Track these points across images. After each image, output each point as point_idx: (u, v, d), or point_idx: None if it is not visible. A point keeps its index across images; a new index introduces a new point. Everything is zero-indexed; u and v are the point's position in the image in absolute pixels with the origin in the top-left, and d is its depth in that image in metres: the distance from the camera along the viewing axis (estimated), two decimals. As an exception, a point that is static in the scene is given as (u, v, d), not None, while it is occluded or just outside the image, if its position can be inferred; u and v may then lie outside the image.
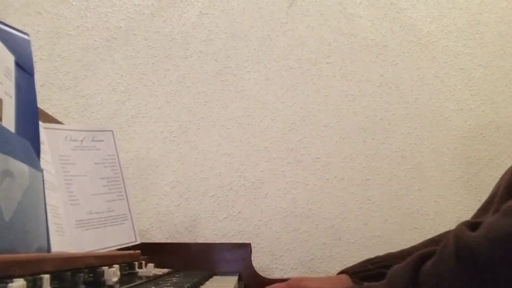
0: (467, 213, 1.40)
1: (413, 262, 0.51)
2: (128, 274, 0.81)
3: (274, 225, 1.42)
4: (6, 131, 0.54)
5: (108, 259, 0.70)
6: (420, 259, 0.51)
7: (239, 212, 1.42)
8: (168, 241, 1.39)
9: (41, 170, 0.61)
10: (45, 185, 0.64)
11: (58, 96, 1.41)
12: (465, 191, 1.47)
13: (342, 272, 0.85)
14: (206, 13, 1.48)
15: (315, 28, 1.50)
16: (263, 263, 1.41)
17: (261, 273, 1.31)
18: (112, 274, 0.62)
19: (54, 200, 0.77)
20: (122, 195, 0.98)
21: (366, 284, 0.63)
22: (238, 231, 1.42)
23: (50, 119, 0.95)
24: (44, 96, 1.38)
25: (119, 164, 0.99)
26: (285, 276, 1.40)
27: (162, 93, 1.45)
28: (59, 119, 1.08)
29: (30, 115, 0.63)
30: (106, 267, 0.62)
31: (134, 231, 0.99)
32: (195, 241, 1.39)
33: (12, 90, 0.58)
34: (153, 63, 1.46)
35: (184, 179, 1.43)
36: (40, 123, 0.69)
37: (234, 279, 1.12)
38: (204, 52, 1.47)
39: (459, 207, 1.46)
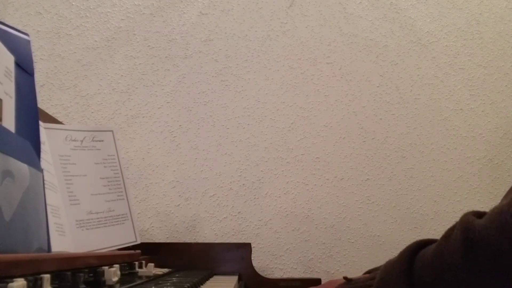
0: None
1: (407, 254, 0.48)
2: (128, 274, 0.81)
3: (274, 225, 1.42)
4: (6, 131, 0.54)
5: (108, 259, 0.70)
6: (412, 251, 0.48)
7: (239, 212, 1.42)
8: (168, 241, 1.39)
9: (41, 170, 0.61)
10: (45, 185, 0.64)
11: (58, 96, 1.41)
12: (465, 191, 1.47)
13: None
14: (206, 13, 1.48)
15: (315, 28, 1.50)
16: (263, 263, 1.41)
17: (261, 273, 1.31)
18: (112, 274, 0.62)
19: (54, 200, 0.77)
20: (122, 195, 0.98)
21: (362, 277, 0.61)
22: (238, 231, 1.42)
23: (50, 119, 0.95)
24: (44, 96, 1.38)
25: (119, 164, 0.99)
26: (285, 276, 1.40)
27: (162, 93, 1.45)
28: (59, 119, 1.08)
29: (30, 115, 0.63)
30: (106, 267, 0.62)
31: (134, 231, 0.99)
32: (195, 241, 1.39)
33: (12, 90, 0.58)
34: (153, 63, 1.46)
35: (184, 179, 1.43)
36: (40, 123, 0.69)
37: (234, 279, 1.12)
38: (204, 52, 1.47)
39: (459, 207, 1.46)
